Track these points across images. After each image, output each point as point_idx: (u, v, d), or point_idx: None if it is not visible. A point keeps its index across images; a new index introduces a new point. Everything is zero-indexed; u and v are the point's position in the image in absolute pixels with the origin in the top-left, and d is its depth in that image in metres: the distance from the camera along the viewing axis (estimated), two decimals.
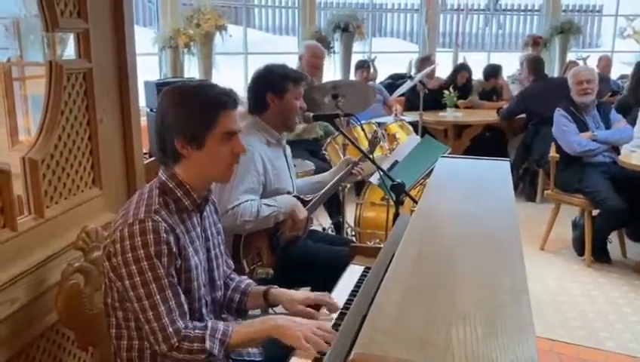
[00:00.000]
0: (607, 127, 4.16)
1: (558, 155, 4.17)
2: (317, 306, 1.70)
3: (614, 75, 7.21)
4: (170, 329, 1.41)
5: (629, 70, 7.29)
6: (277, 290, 1.74)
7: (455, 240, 1.20)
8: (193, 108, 1.50)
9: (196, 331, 1.44)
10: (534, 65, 5.70)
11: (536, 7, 9.16)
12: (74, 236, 1.69)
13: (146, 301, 1.41)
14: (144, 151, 2.42)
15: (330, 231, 3.82)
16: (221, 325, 1.48)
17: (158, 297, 1.41)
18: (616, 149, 4.13)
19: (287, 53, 6.52)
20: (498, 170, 1.83)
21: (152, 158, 2.10)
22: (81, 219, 1.85)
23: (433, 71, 6.22)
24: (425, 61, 6.09)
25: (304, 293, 1.70)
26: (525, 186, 5.64)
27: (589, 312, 3.34)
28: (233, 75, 6.00)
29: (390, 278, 1.01)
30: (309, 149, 4.15)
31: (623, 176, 3.88)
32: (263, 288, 1.76)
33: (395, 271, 1.04)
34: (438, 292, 0.96)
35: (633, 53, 8.85)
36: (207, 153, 1.51)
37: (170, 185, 1.53)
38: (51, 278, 1.71)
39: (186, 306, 1.47)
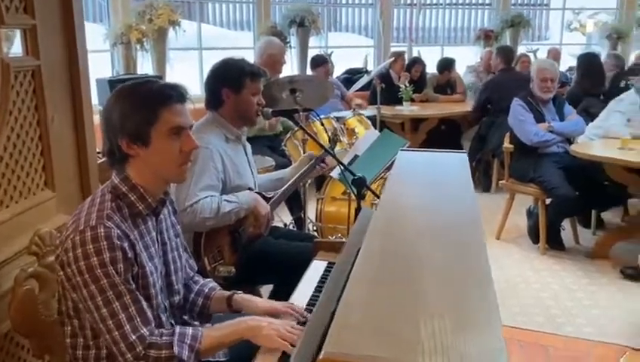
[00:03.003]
0: (562, 119, 4.28)
1: (512, 146, 4.27)
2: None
3: (563, 67, 7.43)
4: (134, 337, 1.35)
5: (575, 62, 7.54)
6: (240, 297, 1.70)
7: (419, 233, 1.21)
8: (134, 105, 1.44)
9: (163, 337, 1.39)
10: (504, 56, 5.82)
11: (487, 1, 9.34)
12: (27, 240, 1.62)
13: (104, 309, 1.35)
14: (97, 150, 2.35)
15: (291, 227, 3.80)
16: (190, 329, 1.44)
17: (117, 304, 1.35)
18: (567, 140, 4.25)
19: (243, 48, 6.46)
20: (457, 162, 1.85)
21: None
22: (33, 223, 1.77)
23: (402, 66, 6.28)
24: (398, 57, 6.15)
25: (268, 302, 1.66)
26: (480, 177, 5.75)
27: (545, 299, 3.43)
28: (188, 72, 5.89)
29: (357, 274, 1.00)
30: (268, 145, 4.12)
31: (575, 165, 4.00)
32: (226, 293, 1.72)
33: (362, 266, 1.04)
34: (405, 287, 0.96)
35: (580, 46, 9.15)
36: (155, 151, 1.45)
37: (123, 189, 1.47)
38: (4, 285, 1.64)
39: (149, 313, 1.41)
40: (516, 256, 4.08)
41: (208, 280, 1.81)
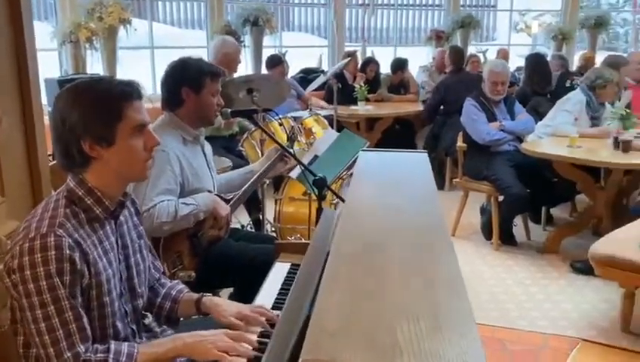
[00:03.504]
0: (512, 118, 4.40)
1: (465, 145, 4.35)
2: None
3: (511, 67, 7.63)
4: (68, 354, 1.30)
5: (523, 62, 7.77)
6: (209, 300, 1.67)
7: (388, 234, 1.21)
8: (95, 104, 1.39)
9: (98, 354, 1.34)
10: (455, 57, 5.92)
11: (437, 3, 9.51)
12: None
13: (42, 323, 1.30)
14: (49, 152, 2.26)
15: (249, 229, 3.77)
16: (125, 347, 1.39)
17: (56, 320, 1.30)
18: (518, 138, 4.37)
19: (196, 47, 6.36)
20: (418, 162, 1.87)
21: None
22: None
23: (356, 66, 6.31)
24: (351, 57, 6.17)
25: (237, 305, 1.63)
26: (434, 175, 5.84)
27: (500, 294, 3.52)
28: (139, 71, 5.76)
29: (329, 278, 0.99)
30: (224, 146, 4.07)
31: (525, 163, 4.11)
32: (195, 296, 1.68)
33: (333, 270, 1.03)
34: (379, 290, 0.95)
35: (526, 46, 9.44)
36: (120, 150, 1.41)
37: (79, 193, 1.41)
38: None
39: (88, 330, 1.36)
40: (471, 252, 4.16)
41: (176, 282, 1.77)
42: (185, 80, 2.30)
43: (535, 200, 4.26)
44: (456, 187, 4.72)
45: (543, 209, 4.64)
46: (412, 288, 0.97)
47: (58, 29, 4.80)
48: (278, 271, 1.93)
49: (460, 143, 4.37)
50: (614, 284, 3.21)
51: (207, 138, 2.62)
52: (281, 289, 1.80)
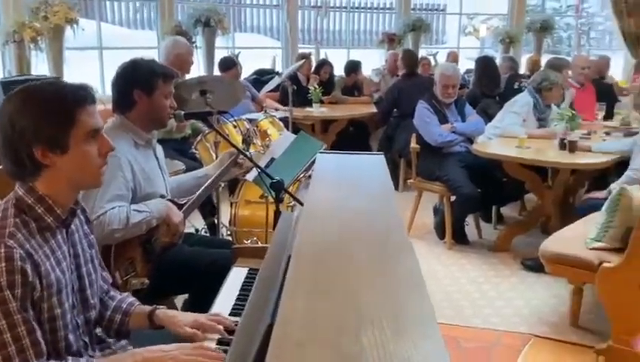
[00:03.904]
0: (463, 119, 4.49)
1: (418, 146, 4.42)
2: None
3: (461, 69, 7.80)
4: None
5: (472, 65, 7.95)
6: (162, 312, 1.62)
7: (348, 237, 1.20)
8: (48, 109, 1.33)
9: None
10: (408, 60, 5.99)
11: (387, 5, 9.64)
12: None
13: None
14: None
15: (204, 233, 3.71)
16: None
17: (8, 335, 1.24)
18: (469, 140, 4.46)
19: (146, 48, 6.23)
20: (375, 164, 1.87)
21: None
22: None
23: (310, 67, 6.31)
24: (305, 59, 6.16)
25: (193, 316, 1.59)
26: None
27: (453, 292, 3.58)
28: (87, 72, 5.59)
29: (291, 284, 0.97)
30: (176, 148, 3.98)
31: (476, 163, 4.21)
32: (147, 309, 1.63)
33: (295, 275, 1.01)
34: (342, 295, 0.95)
35: (475, 49, 9.66)
36: (74, 157, 1.35)
37: (29, 201, 1.35)
38: None
39: (42, 344, 1.30)
40: (425, 251, 4.22)
41: (126, 294, 1.71)
42: (136, 82, 2.24)
43: (486, 200, 4.37)
44: (410, 188, 4.78)
45: (494, 208, 4.76)
46: (376, 290, 0.97)
47: (1, 29, 4.60)
48: (236, 277, 1.90)
49: (413, 145, 4.43)
50: (563, 281, 3.32)
51: (159, 141, 2.56)
52: (239, 294, 1.77)
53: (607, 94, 5.83)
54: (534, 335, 3.04)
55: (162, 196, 2.33)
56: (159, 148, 2.48)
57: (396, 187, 5.76)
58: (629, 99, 6.28)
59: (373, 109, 6.20)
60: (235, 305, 1.72)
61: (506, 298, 3.48)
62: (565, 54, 9.60)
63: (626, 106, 5.70)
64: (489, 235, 4.52)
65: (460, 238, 4.37)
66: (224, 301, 1.75)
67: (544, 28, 8.34)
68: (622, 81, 7.88)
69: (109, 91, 2.37)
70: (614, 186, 3.33)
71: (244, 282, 1.85)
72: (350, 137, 6.18)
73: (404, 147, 5.06)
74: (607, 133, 4.63)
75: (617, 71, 8.42)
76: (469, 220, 4.49)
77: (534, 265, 3.70)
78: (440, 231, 4.44)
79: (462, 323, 3.18)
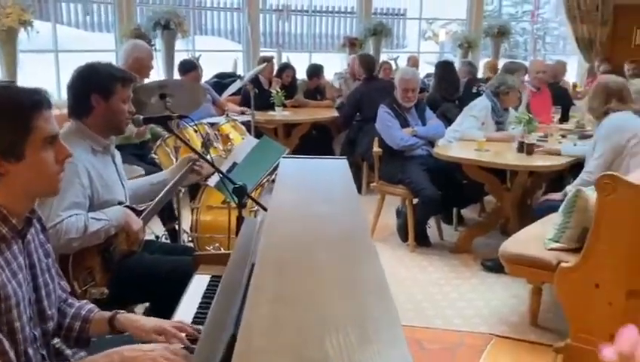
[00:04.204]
0: (424, 123, 4.54)
1: (381, 150, 4.45)
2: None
3: (421, 73, 7.91)
4: None
5: (432, 69, 8.06)
6: (123, 316, 1.57)
7: (312, 243, 1.20)
8: (2, 115, 1.28)
9: None
10: (366, 64, 6.02)
11: (349, 10, 9.70)
12: None
13: None
14: None
15: (164, 239, 3.64)
16: None
17: None
18: (430, 143, 4.52)
19: (104, 51, 6.10)
20: (338, 168, 1.87)
21: None
22: None
23: (272, 71, 6.28)
24: (267, 62, 6.12)
25: (156, 321, 1.55)
26: None
27: (416, 294, 3.61)
28: (42, 76, 5.43)
29: (255, 291, 0.96)
30: (135, 153, 3.90)
31: (437, 167, 4.27)
32: (107, 314, 1.59)
33: (258, 282, 1.00)
34: (306, 301, 0.94)
35: (435, 54, 9.81)
36: (30, 165, 1.30)
37: None
38: None
39: (11, 353, 1.26)
40: (388, 254, 4.24)
41: (85, 301, 1.66)
42: (94, 86, 2.18)
43: (447, 202, 4.43)
44: (372, 191, 4.81)
45: (454, 210, 4.83)
46: (340, 296, 0.96)
47: None
48: (198, 284, 1.87)
49: (375, 149, 4.46)
50: (523, 281, 3.39)
51: (118, 146, 2.50)
52: (202, 302, 1.74)
53: (562, 98, 6.00)
54: (495, 335, 3.09)
55: (121, 203, 2.28)
56: (118, 154, 2.42)
57: (359, 190, 5.79)
58: (583, 102, 6.49)
59: (336, 113, 6.21)
60: (197, 313, 1.69)
61: (467, 299, 3.54)
62: (522, 58, 9.82)
63: (580, 109, 5.87)
64: (450, 237, 4.58)
65: (422, 240, 4.42)
66: (186, 309, 1.72)
67: (501, 33, 8.53)
68: (577, 85, 8.14)
69: (65, 95, 2.30)
70: (570, 188, 3.42)
71: (206, 290, 1.82)
72: (313, 141, 6.18)
73: (367, 151, 5.08)
74: (563, 136, 4.76)
75: (571, 75, 8.68)
76: (431, 222, 4.54)
77: (494, 266, 3.77)
78: (403, 234, 4.47)
79: (425, 325, 3.21)
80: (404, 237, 4.44)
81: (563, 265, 2.67)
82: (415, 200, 4.30)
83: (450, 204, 4.66)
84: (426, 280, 3.83)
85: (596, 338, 2.54)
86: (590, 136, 4.59)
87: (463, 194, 4.53)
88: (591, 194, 2.77)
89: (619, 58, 8.19)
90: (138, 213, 2.31)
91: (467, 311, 3.37)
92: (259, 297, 0.92)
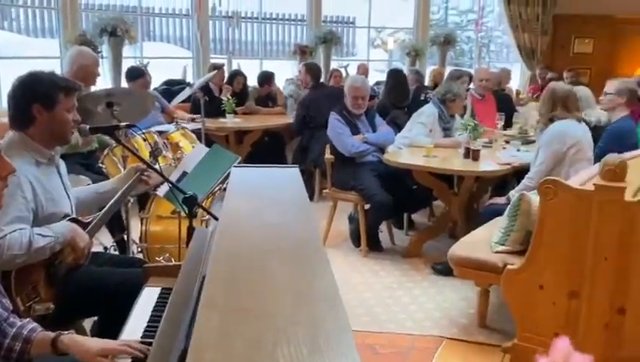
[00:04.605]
0: (374, 130, 4.61)
1: (332, 157, 4.49)
2: None
3: (371, 81, 8.01)
4: None
5: (381, 76, 8.18)
6: (67, 338, 1.53)
7: (264, 253, 1.20)
8: None
9: None
10: (312, 72, 6.05)
11: (299, 17, 9.74)
12: None
13: None
14: None
15: (113, 251, 3.56)
16: None
17: None
18: (381, 149, 4.58)
19: (48, 57, 5.92)
20: (290, 177, 1.88)
21: None
22: None
23: (222, 78, 6.23)
24: (218, 69, 6.06)
25: (101, 342, 1.51)
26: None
27: (369, 299, 3.65)
28: None
29: (206, 303, 0.96)
30: (82, 163, 3.79)
31: (388, 172, 4.33)
32: (51, 335, 1.54)
33: (209, 294, 1.00)
34: (257, 312, 0.94)
35: (384, 62, 9.97)
36: None
37: None
38: None
39: None
40: (341, 260, 4.28)
41: (27, 320, 1.60)
42: (36, 96, 2.11)
43: (397, 207, 4.50)
44: (325, 197, 4.84)
45: (405, 215, 4.91)
46: (291, 308, 0.97)
47: None
48: (148, 297, 1.84)
49: (327, 155, 4.50)
50: (471, 283, 3.48)
51: (63, 155, 2.43)
52: (152, 316, 1.71)
53: (506, 104, 6.19)
54: (446, 337, 3.16)
55: (67, 215, 2.21)
56: (62, 165, 2.36)
57: (312, 197, 5.81)
58: (525, 108, 6.73)
59: (288, 120, 6.22)
60: (147, 327, 1.66)
61: (419, 302, 3.60)
62: (467, 66, 10.10)
63: (523, 116, 6.09)
64: (401, 241, 4.66)
65: (374, 245, 4.47)
66: (136, 323, 1.69)
67: (447, 41, 8.74)
68: (520, 92, 8.43)
69: (5, 104, 2.22)
70: (513, 193, 3.54)
71: (156, 303, 1.79)
72: (265, 148, 6.17)
73: (319, 157, 5.11)
74: (507, 142, 4.91)
75: (515, 82, 8.98)
76: (383, 227, 4.61)
77: (443, 269, 3.85)
78: (355, 239, 4.52)
79: (377, 330, 3.25)
80: (357, 243, 4.48)
81: (509, 267, 2.76)
82: (367, 206, 4.36)
83: (400, 209, 4.73)
84: (379, 284, 3.87)
85: (541, 337, 2.63)
86: (533, 142, 4.77)
87: (413, 199, 4.61)
88: (534, 198, 2.87)
89: (559, 66, 8.55)
90: (84, 225, 2.25)
91: (418, 315, 3.43)
92: (209, 310, 0.92)
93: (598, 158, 3.42)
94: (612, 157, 2.47)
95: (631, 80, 5.49)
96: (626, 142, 3.93)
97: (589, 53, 9.01)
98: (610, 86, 4.24)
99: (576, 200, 2.51)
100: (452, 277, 3.64)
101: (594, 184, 2.47)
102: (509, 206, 3.08)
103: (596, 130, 4.09)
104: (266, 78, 6.67)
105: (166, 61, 7.88)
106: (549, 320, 2.61)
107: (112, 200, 2.39)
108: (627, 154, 3.10)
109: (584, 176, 2.84)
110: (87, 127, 2.41)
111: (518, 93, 8.33)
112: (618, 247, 2.42)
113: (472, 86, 5.83)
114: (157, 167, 2.48)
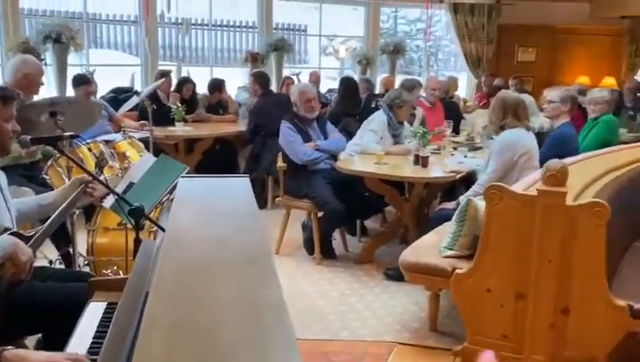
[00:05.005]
0: (325, 137, 4.63)
1: (285, 165, 4.48)
2: None
3: (323, 89, 8.06)
4: None
5: (333, 84, 8.23)
6: (10, 353, 1.46)
7: (212, 266, 1.18)
8: None
9: None
10: (261, 81, 6.03)
11: (250, 24, 9.70)
12: None
13: None
14: None
15: (58, 264, 3.44)
16: None
17: None
18: (333, 157, 4.61)
19: None
20: (239, 187, 1.86)
21: None
22: None
23: (169, 85, 6.13)
24: (165, 77, 5.96)
25: (46, 355, 1.46)
26: (256, 195, 5.88)
27: (322, 307, 3.65)
28: None
29: (149, 320, 0.93)
30: (25, 174, 3.66)
31: (340, 180, 4.36)
32: None
33: (153, 310, 0.97)
34: (205, 328, 0.92)
35: (336, 70, 10.04)
36: None
37: None
38: None
39: None
40: (294, 268, 4.27)
41: None
42: None
43: (350, 214, 4.53)
44: (278, 205, 4.82)
45: (358, 221, 4.95)
46: (240, 322, 0.95)
47: None
48: (93, 312, 1.78)
49: (279, 163, 4.49)
50: (422, 287, 3.53)
51: (5, 167, 2.35)
52: (97, 332, 1.66)
53: (454, 112, 6.34)
54: (398, 342, 3.19)
55: (7, 229, 2.13)
56: (2, 176, 2.27)
57: (265, 205, 5.79)
58: (473, 115, 6.90)
59: (240, 127, 6.18)
60: (92, 343, 1.61)
61: (372, 308, 3.62)
62: (417, 74, 10.27)
63: (470, 123, 6.24)
64: (354, 248, 4.69)
65: (327, 253, 4.48)
66: (80, 340, 1.64)
67: (397, 50, 8.88)
68: (467, 100, 8.65)
69: None
70: (462, 198, 3.62)
71: (102, 318, 1.74)
72: (217, 156, 6.11)
73: (271, 165, 5.10)
74: (455, 148, 5.03)
75: (462, 90, 9.20)
76: (336, 235, 4.62)
77: (395, 275, 3.89)
78: (309, 247, 4.52)
79: (331, 337, 3.26)
80: (311, 251, 4.48)
81: (457, 271, 2.81)
82: (320, 214, 4.37)
83: (353, 216, 4.76)
84: (332, 292, 3.88)
85: (490, 339, 2.70)
86: (480, 149, 4.90)
87: (366, 205, 4.65)
88: (481, 203, 2.94)
89: (503, 74, 8.81)
90: (26, 239, 2.16)
91: (372, 321, 3.45)
92: (152, 327, 0.90)
93: (540, 164, 3.53)
94: (554, 163, 2.56)
95: (572, 88, 5.73)
96: (568, 147, 4.09)
97: (532, 62, 9.32)
98: (553, 94, 4.40)
99: (521, 205, 2.58)
100: (404, 282, 3.68)
101: (537, 189, 2.55)
102: (457, 211, 3.15)
103: (539, 137, 4.22)
104: (217, 86, 6.61)
105: (114, 68, 7.70)
106: (497, 322, 2.67)
107: (56, 213, 2.31)
108: (568, 160, 3.22)
109: (528, 182, 2.93)
110: (29, 137, 2.32)
111: (465, 100, 8.53)
112: (561, 250, 2.50)
113: (422, 94, 5.94)
114: (102, 178, 2.42)
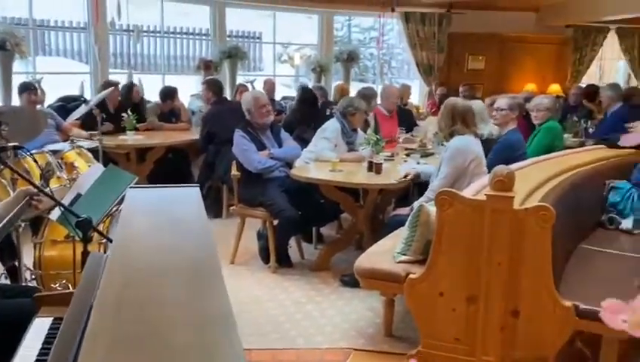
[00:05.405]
0: (280, 145, 4.63)
1: (239, 173, 4.45)
2: None
3: (278, 96, 8.06)
4: None
5: (288, 91, 8.25)
6: None
7: (159, 277, 1.16)
8: None
9: None
10: (214, 88, 5.98)
11: (203, 32, 9.63)
12: None
13: None
14: None
15: (4, 279, 3.32)
16: None
17: None
18: (288, 164, 4.60)
19: None
20: (189, 197, 1.84)
21: None
22: None
23: (118, 94, 6.01)
24: (113, 86, 5.83)
25: None
26: (211, 203, 5.84)
27: (278, 315, 3.63)
28: None
29: (91, 333, 0.91)
30: None
31: (296, 187, 4.36)
32: None
33: (96, 323, 0.95)
34: (150, 341, 0.91)
35: (290, 77, 10.07)
36: None
37: None
38: None
39: None
40: (250, 277, 4.24)
41: None
42: None
43: (306, 221, 4.53)
44: (233, 214, 4.78)
45: (314, 229, 4.95)
46: (187, 334, 0.94)
47: None
48: (39, 328, 1.72)
49: (234, 172, 4.46)
50: (377, 293, 3.56)
51: None
52: (42, 349, 1.61)
53: (407, 119, 6.44)
54: (354, 348, 3.21)
55: None
56: None
57: (219, 214, 5.73)
58: (425, 123, 7.03)
59: (193, 136, 6.10)
60: (37, 360, 1.56)
61: (328, 315, 3.63)
62: (371, 82, 10.41)
63: (422, 130, 6.34)
64: (311, 255, 4.69)
65: (283, 261, 4.47)
66: (24, 357, 1.58)
67: (351, 58, 8.98)
68: (419, 107, 8.80)
69: None
70: (416, 204, 3.67)
71: (47, 334, 1.68)
72: (170, 165, 6.01)
73: (226, 174, 5.05)
74: (408, 155, 5.10)
75: (414, 97, 9.37)
76: (292, 242, 4.61)
77: (351, 281, 3.91)
78: (265, 256, 4.49)
79: (287, 346, 3.24)
80: (266, 260, 4.46)
81: (411, 276, 2.85)
82: (275, 222, 4.35)
83: (309, 223, 4.77)
84: (288, 300, 3.87)
85: (443, 342, 2.74)
86: (432, 155, 4.99)
87: (321, 213, 4.66)
88: (432, 209, 2.98)
89: (454, 82, 9.02)
90: None
91: (327, 328, 3.45)
92: (94, 343, 0.88)
93: (489, 170, 3.62)
94: (500, 169, 2.63)
95: (519, 96, 5.91)
96: (515, 153, 4.20)
97: (482, 70, 9.56)
98: (501, 102, 4.52)
99: (470, 210, 2.64)
100: (359, 288, 3.70)
101: (485, 194, 2.62)
102: (410, 217, 3.19)
103: (488, 143, 4.33)
104: (169, 94, 6.52)
105: (63, 76, 7.51)
106: (450, 325, 2.72)
107: (1, 224, 2.23)
108: (514, 165, 3.32)
109: (477, 187, 3.00)
110: None
111: (417, 108, 8.68)
112: (509, 253, 2.57)
113: (378, 102, 6.00)
114: (48, 189, 2.35)
